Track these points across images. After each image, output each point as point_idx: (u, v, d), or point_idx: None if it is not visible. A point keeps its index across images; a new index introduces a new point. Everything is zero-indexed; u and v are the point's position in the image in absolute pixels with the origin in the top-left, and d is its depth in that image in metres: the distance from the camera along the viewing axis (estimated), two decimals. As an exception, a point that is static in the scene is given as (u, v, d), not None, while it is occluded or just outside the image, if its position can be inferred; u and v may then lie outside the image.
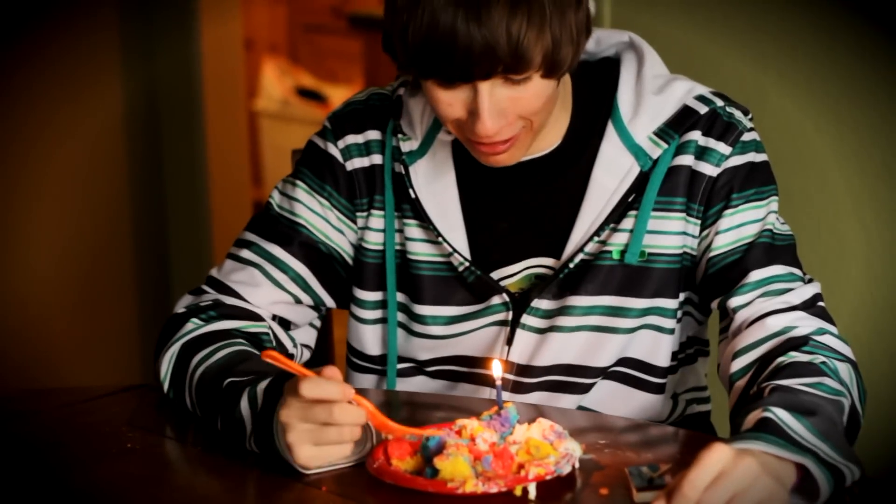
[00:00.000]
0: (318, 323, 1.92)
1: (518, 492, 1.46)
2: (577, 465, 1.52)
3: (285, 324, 1.87)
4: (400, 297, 1.85)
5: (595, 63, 1.82)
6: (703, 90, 1.78)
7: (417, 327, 1.84)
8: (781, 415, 1.44)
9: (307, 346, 1.91)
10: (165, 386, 1.78)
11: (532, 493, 1.46)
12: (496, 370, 1.64)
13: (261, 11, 6.17)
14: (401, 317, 1.85)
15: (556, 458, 1.49)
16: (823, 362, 1.60)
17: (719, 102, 1.77)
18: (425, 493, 1.47)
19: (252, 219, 1.90)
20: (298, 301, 1.86)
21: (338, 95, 5.90)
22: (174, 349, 1.77)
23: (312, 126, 1.89)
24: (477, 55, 1.57)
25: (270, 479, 1.56)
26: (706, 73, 2.67)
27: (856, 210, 2.58)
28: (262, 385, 1.60)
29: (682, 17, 2.71)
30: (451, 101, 1.64)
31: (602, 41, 1.83)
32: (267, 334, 1.82)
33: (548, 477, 1.47)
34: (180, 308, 1.84)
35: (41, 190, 4.01)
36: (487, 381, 1.84)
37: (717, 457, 1.36)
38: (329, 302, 1.89)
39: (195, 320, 1.80)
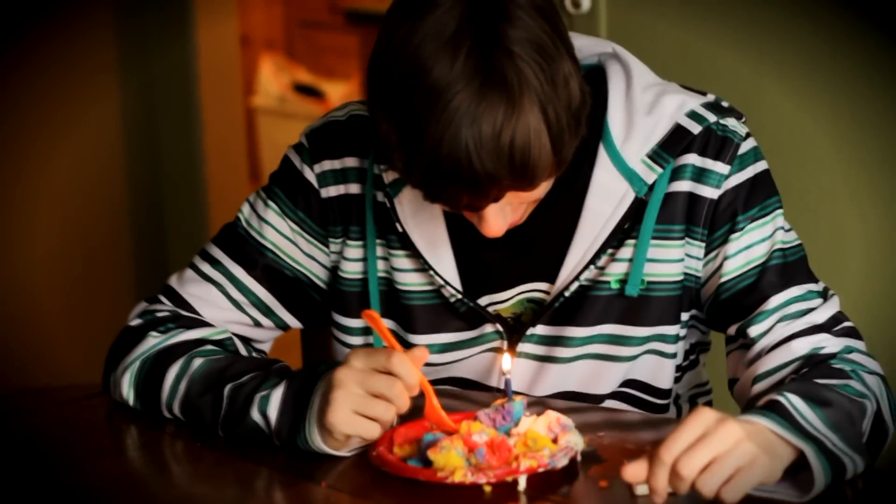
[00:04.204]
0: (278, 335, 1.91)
1: (486, 488, 1.46)
2: (578, 459, 1.52)
3: (245, 340, 1.85)
4: (390, 324, 1.80)
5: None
6: (694, 104, 1.71)
7: None
8: (793, 399, 1.43)
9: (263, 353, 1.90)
10: (131, 400, 1.75)
11: (522, 485, 1.46)
12: (506, 363, 1.64)
13: (257, 8, 6.17)
14: None
15: (551, 451, 1.50)
16: (852, 370, 1.58)
17: (711, 118, 1.70)
18: (422, 488, 1.47)
19: (220, 231, 1.87)
20: (258, 324, 1.84)
21: (335, 91, 5.89)
22: (136, 365, 1.75)
23: (310, 122, 1.86)
24: (484, 192, 1.52)
25: (270, 475, 1.56)
26: (702, 67, 2.67)
27: (854, 200, 2.58)
28: (279, 391, 1.61)
29: (677, 13, 2.70)
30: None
31: (583, 49, 1.75)
32: (230, 339, 1.80)
33: (540, 469, 1.47)
34: (134, 320, 1.82)
35: (39, 187, 4.01)
36: (483, 403, 1.81)
37: (699, 420, 1.36)
38: (294, 324, 1.87)
39: (154, 333, 1.78)
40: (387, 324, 1.80)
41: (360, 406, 1.52)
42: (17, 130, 3.96)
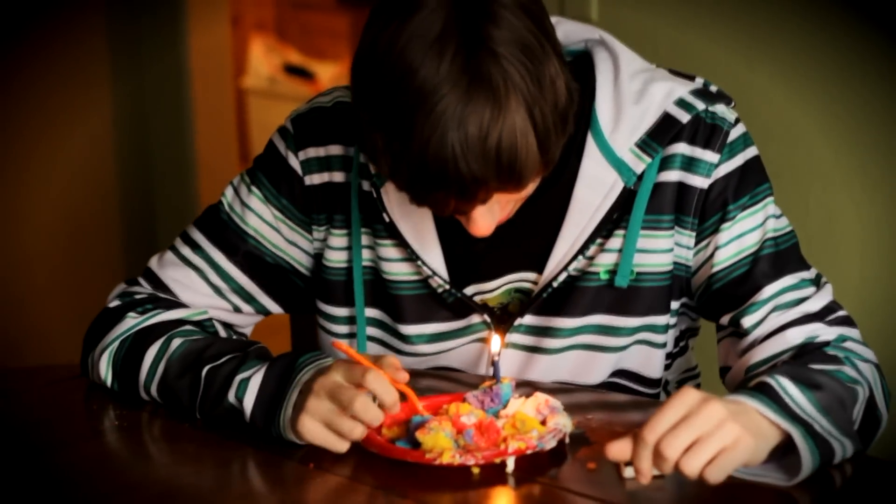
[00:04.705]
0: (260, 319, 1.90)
1: (474, 469, 1.47)
2: (566, 441, 1.53)
3: (225, 325, 1.84)
4: (376, 313, 1.80)
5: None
6: (683, 91, 1.70)
7: (404, 346, 1.79)
8: (783, 382, 1.44)
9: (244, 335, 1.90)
10: (109, 381, 1.75)
11: (510, 467, 1.47)
12: (494, 345, 1.64)
13: (248, -11, 6.16)
14: (379, 333, 1.81)
15: (539, 432, 1.50)
16: (846, 357, 1.59)
17: (700, 105, 1.69)
18: (411, 469, 1.47)
19: (203, 214, 1.85)
20: (238, 310, 1.83)
21: (326, 72, 5.89)
22: (115, 346, 1.74)
23: (300, 104, 1.85)
24: (471, 195, 1.52)
25: (260, 456, 1.56)
26: (693, 51, 2.66)
27: (845, 185, 2.58)
28: (256, 379, 1.61)
29: (668, 10, 2.70)
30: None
31: (570, 35, 1.76)
32: (210, 320, 1.80)
33: (528, 451, 1.47)
34: (113, 301, 1.81)
35: (30, 171, 4.00)
36: (471, 386, 1.80)
37: (683, 401, 1.36)
38: (276, 310, 1.86)
39: (133, 314, 1.77)
40: (374, 313, 1.80)
41: (330, 420, 1.52)
42: (12, 117, 3.96)
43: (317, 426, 1.52)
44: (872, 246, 2.58)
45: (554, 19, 1.62)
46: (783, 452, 1.42)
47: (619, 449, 1.37)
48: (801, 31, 2.57)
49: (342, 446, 1.52)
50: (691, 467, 1.34)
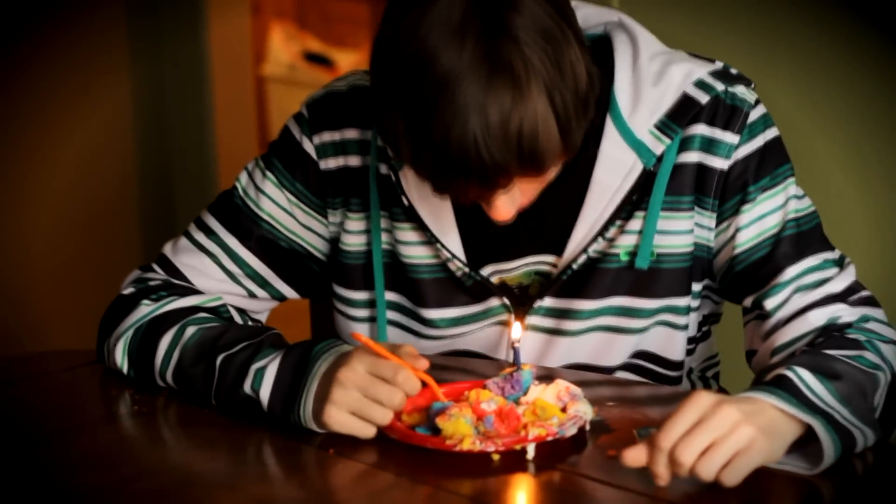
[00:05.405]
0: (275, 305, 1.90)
1: (494, 456, 1.47)
2: (587, 428, 1.52)
3: (240, 311, 1.84)
4: (395, 297, 1.80)
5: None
6: (702, 72, 1.70)
7: (424, 330, 1.79)
8: (802, 373, 1.43)
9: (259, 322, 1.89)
10: (125, 368, 1.75)
11: (530, 454, 1.46)
12: (515, 332, 1.64)
13: (268, -24, 6.16)
14: (398, 317, 1.81)
15: (559, 419, 1.49)
16: (867, 340, 1.58)
17: (720, 87, 1.69)
18: (431, 456, 1.47)
19: (217, 199, 1.85)
20: (253, 295, 1.83)
21: (345, 60, 5.88)
22: (129, 333, 1.74)
23: (319, 91, 1.85)
24: (493, 182, 1.51)
25: (280, 441, 1.56)
26: (715, 34, 2.65)
27: (865, 174, 2.57)
28: (272, 370, 1.60)
29: (690, 16, 2.69)
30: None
31: (589, 18, 1.75)
32: (224, 306, 1.80)
33: (548, 438, 1.47)
34: (127, 288, 1.81)
35: (51, 157, 4.01)
36: (491, 375, 1.80)
37: (696, 405, 1.36)
38: (291, 295, 1.86)
39: (147, 301, 1.76)
40: (393, 297, 1.80)
41: (357, 408, 1.52)
42: (30, 102, 3.97)
43: (343, 415, 1.52)
44: (893, 235, 2.57)
45: (574, 3, 1.61)
46: (805, 441, 1.42)
47: (634, 456, 1.37)
48: (824, 23, 2.57)
49: (370, 431, 1.53)
50: (707, 472, 1.35)
